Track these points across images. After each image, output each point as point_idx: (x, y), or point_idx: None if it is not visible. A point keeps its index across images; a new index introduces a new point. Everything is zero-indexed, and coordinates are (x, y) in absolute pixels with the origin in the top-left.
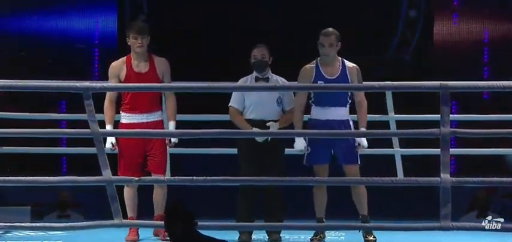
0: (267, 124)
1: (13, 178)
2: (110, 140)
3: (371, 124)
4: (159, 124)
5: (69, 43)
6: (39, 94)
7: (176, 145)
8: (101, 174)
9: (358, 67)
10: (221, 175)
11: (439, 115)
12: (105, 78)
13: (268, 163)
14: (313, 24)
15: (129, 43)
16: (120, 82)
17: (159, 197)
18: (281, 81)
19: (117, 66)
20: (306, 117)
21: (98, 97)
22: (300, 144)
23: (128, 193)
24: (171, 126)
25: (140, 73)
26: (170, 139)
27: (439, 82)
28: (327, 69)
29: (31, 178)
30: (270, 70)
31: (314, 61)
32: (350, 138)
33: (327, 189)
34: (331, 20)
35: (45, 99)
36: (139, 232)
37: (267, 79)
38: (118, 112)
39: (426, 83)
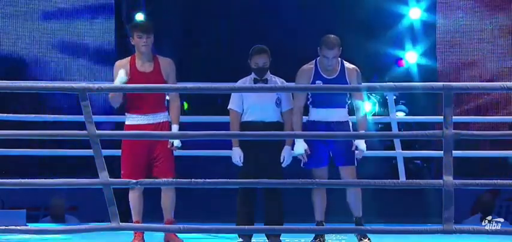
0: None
1: (8, 180)
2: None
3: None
4: (165, 125)
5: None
6: (34, 95)
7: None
8: (97, 176)
9: (357, 69)
10: (220, 177)
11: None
12: (100, 78)
13: (267, 166)
14: (313, 24)
15: (132, 42)
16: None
17: (167, 201)
18: (280, 82)
19: (121, 65)
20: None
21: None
22: (300, 147)
23: (133, 197)
24: (175, 129)
25: (144, 73)
26: (172, 143)
27: (442, 83)
28: (325, 70)
29: (27, 180)
30: (268, 72)
31: (313, 61)
32: (348, 139)
33: (326, 192)
34: (330, 19)
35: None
36: (144, 238)
37: (265, 81)
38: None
39: (429, 84)
